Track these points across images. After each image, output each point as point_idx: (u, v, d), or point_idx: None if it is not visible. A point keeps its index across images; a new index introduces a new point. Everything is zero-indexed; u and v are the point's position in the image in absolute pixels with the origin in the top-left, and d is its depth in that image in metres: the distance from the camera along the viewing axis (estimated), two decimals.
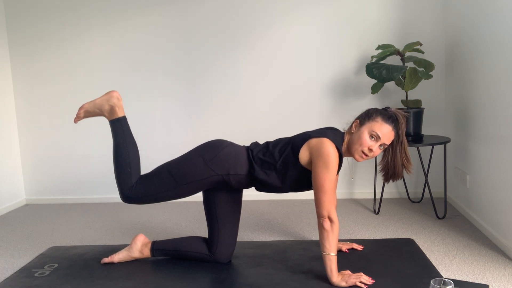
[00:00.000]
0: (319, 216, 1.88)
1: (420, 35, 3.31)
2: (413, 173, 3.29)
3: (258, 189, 2.11)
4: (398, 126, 1.99)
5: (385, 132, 1.96)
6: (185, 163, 2.05)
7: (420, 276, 1.96)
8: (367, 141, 1.96)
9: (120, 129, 2.09)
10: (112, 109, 2.09)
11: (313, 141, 1.96)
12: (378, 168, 2.10)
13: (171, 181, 2.03)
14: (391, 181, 2.09)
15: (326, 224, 1.87)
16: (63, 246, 2.55)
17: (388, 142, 1.98)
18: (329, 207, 1.87)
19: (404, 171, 2.05)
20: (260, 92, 3.48)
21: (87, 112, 2.12)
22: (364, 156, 1.98)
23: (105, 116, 2.12)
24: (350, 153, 2.04)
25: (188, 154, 2.10)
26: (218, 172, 2.02)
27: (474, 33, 2.71)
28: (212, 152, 2.05)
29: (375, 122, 1.97)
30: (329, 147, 1.91)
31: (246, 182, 2.07)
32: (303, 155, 1.97)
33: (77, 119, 2.14)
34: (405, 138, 2.02)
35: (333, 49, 3.40)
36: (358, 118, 2.05)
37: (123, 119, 2.11)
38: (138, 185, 2.05)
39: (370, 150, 1.97)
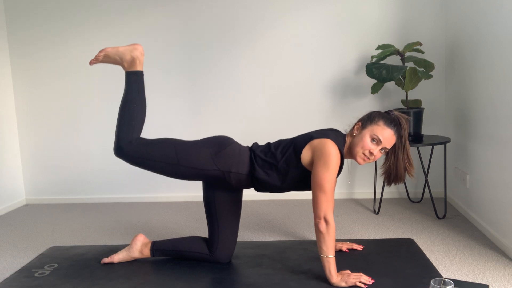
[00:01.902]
0: (315, 217, 1.88)
1: (420, 35, 3.31)
2: (414, 175, 3.29)
3: (257, 189, 2.12)
4: (400, 130, 1.99)
5: (387, 136, 1.96)
6: (191, 148, 2.04)
7: (420, 276, 1.96)
8: (368, 144, 1.96)
9: (135, 82, 2.05)
10: (133, 61, 2.04)
11: (316, 141, 1.97)
12: (380, 171, 2.10)
13: (173, 156, 2.00)
14: (393, 184, 2.08)
15: (322, 226, 1.86)
16: (63, 246, 2.55)
17: (389, 146, 1.98)
18: (326, 208, 1.87)
19: (406, 174, 2.05)
20: (261, 91, 3.48)
21: (106, 57, 2.06)
22: (365, 159, 1.99)
23: (123, 66, 2.07)
24: (351, 155, 2.04)
25: (197, 142, 2.09)
26: (220, 168, 2.02)
27: (474, 33, 2.71)
28: (218, 147, 2.05)
29: (377, 126, 1.97)
30: (331, 148, 1.91)
31: (246, 182, 2.07)
32: (305, 155, 1.97)
33: (95, 61, 2.08)
34: (407, 141, 2.02)
35: (333, 49, 3.40)
36: (360, 120, 2.05)
37: (140, 74, 2.06)
38: (138, 144, 2.01)
39: (371, 153, 1.97)
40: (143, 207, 3.42)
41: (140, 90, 2.05)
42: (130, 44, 2.07)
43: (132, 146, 2.00)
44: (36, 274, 2.14)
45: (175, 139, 2.07)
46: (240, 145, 2.12)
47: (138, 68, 2.06)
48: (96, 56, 2.07)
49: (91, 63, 2.10)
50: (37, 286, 2.01)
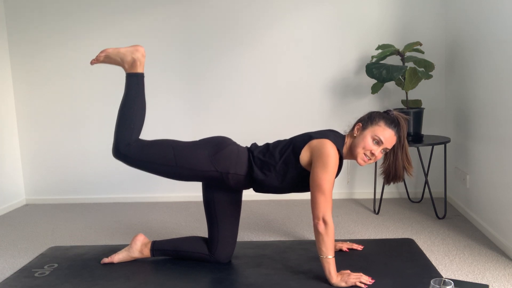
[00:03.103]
0: (314, 217, 1.88)
1: (420, 35, 3.31)
2: (413, 173, 3.29)
3: (256, 190, 2.12)
4: (400, 129, 2.00)
5: (388, 136, 1.97)
6: (190, 149, 2.04)
7: (420, 276, 1.96)
8: (369, 145, 1.97)
9: (135, 85, 2.05)
10: (134, 63, 2.04)
11: (315, 142, 1.96)
12: (379, 170, 2.10)
13: (171, 158, 2.00)
14: (392, 183, 2.09)
15: (321, 227, 1.85)
16: (63, 246, 2.55)
17: (390, 146, 1.99)
18: (325, 209, 1.86)
19: (405, 173, 2.05)
20: (261, 92, 3.48)
21: (107, 57, 2.06)
22: (366, 160, 1.99)
23: (124, 67, 2.06)
24: (351, 156, 2.05)
25: (194, 143, 2.09)
26: (218, 169, 2.02)
27: (474, 33, 2.71)
28: (216, 148, 2.04)
29: (378, 127, 1.97)
30: (330, 148, 1.91)
31: (244, 183, 2.07)
32: (304, 156, 1.97)
33: (96, 61, 2.08)
34: (406, 141, 2.03)
35: (333, 49, 3.40)
36: (360, 121, 2.05)
37: (141, 76, 2.06)
38: (136, 146, 2.01)
39: (372, 154, 1.97)
40: (143, 207, 3.42)
41: (140, 92, 2.05)
42: (132, 46, 2.07)
43: (131, 148, 2.00)
44: (36, 274, 2.14)
45: (173, 141, 2.07)
46: (238, 145, 2.12)
47: (139, 70, 2.05)
48: (97, 56, 2.07)
49: (92, 63, 2.10)
50: (37, 286, 2.01)
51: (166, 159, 2.01)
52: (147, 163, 2.02)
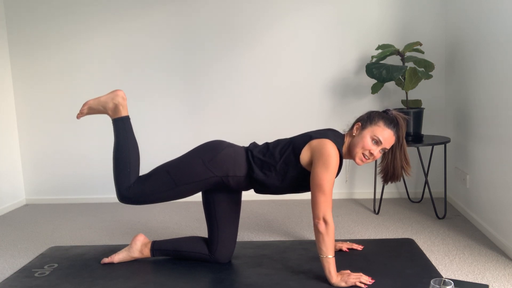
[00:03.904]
0: (314, 217, 1.88)
1: (420, 35, 3.31)
2: (412, 173, 3.30)
3: (257, 191, 2.11)
4: (399, 129, 2.00)
5: (387, 136, 1.97)
6: (184, 164, 2.05)
7: (420, 276, 1.96)
8: (369, 145, 1.97)
9: (123, 129, 2.08)
10: (116, 108, 2.08)
11: (315, 141, 1.96)
12: (378, 169, 2.10)
13: (169, 181, 2.02)
14: (390, 182, 2.09)
15: (321, 226, 1.85)
16: (63, 246, 2.55)
17: (389, 146, 1.99)
18: (325, 208, 1.86)
19: (404, 173, 2.06)
20: (261, 92, 3.48)
21: (90, 109, 2.11)
22: (364, 159, 1.99)
23: (108, 114, 2.11)
24: (350, 155, 2.05)
25: (187, 154, 2.09)
26: (217, 174, 2.02)
27: (474, 33, 2.71)
28: (211, 153, 2.04)
29: (377, 127, 1.98)
30: (330, 148, 1.91)
31: (245, 184, 2.07)
32: (304, 155, 1.97)
33: (80, 115, 2.13)
34: (404, 141, 2.03)
35: (333, 49, 3.40)
36: (359, 120, 2.05)
37: (126, 119, 2.10)
38: (136, 186, 2.04)
39: (371, 154, 1.97)
40: (143, 207, 3.42)
41: (129, 135, 2.09)
42: (111, 92, 2.11)
43: (132, 190, 2.04)
44: (36, 274, 2.14)
45: (166, 164, 2.09)
46: (234, 147, 2.11)
47: (123, 114, 2.09)
48: (81, 110, 2.13)
49: (77, 117, 2.15)
50: (37, 286, 2.01)
51: (167, 185, 2.03)
52: (152, 196, 2.05)
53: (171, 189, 2.03)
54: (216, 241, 2.16)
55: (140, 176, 2.09)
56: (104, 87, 3.52)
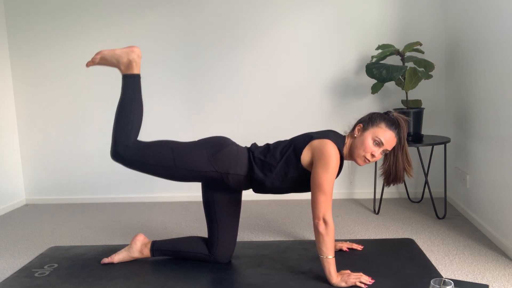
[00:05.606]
0: (314, 217, 1.88)
1: (420, 35, 3.31)
2: (413, 175, 3.30)
3: (256, 190, 2.11)
4: (400, 131, 2.00)
5: (388, 138, 1.97)
6: (189, 150, 2.03)
7: (420, 276, 1.96)
8: (370, 146, 1.97)
9: (132, 86, 2.04)
10: (129, 64, 2.03)
11: (316, 142, 1.97)
12: (380, 172, 2.10)
13: (170, 159, 1.99)
14: (392, 185, 2.09)
15: (321, 227, 1.85)
16: (63, 246, 2.55)
17: (390, 148, 1.99)
18: (325, 209, 1.86)
19: (405, 174, 2.05)
20: (261, 92, 3.48)
21: (103, 59, 2.05)
22: (366, 161, 1.99)
23: (120, 69, 2.06)
24: (351, 157, 2.05)
25: (194, 142, 2.08)
26: (218, 170, 2.02)
27: (474, 33, 2.71)
28: (215, 148, 2.04)
29: (379, 128, 1.97)
30: (331, 149, 1.91)
31: (244, 183, 2.07)
32: (305, 156, 1.97)
33: (91, 63, 2.06)
34: (406, 142, 2.03)
35: (333, 49, 3.40)
36: (361, 122, 2.05)
37: (137, 77, 2.06)
38: (134, 148, 2.00)
39: (373, 155, 1.97)
40: (143, 207, 3.42)
41: (136, 93, 2.04)
42: (127, 47, 2.06)
43: (129, 150, 1.99)
44: (36, 274, 2.14)
45: (172, 141, 2.06)
46: (238, 146, 2.11)
47: (135, 71, 2.05)
48: (93, 58, 2.06)
49: (87, 65, 2.08)
50: (37, 286, 2.01)
51: (165, 161, 2.00)
52: (146, 164, 2.01)
53: (168, 167, 2.00)
54: (216, 241, 2.16)
55: (140, 140, 2.04)
56: (104, 86, 3.53)
